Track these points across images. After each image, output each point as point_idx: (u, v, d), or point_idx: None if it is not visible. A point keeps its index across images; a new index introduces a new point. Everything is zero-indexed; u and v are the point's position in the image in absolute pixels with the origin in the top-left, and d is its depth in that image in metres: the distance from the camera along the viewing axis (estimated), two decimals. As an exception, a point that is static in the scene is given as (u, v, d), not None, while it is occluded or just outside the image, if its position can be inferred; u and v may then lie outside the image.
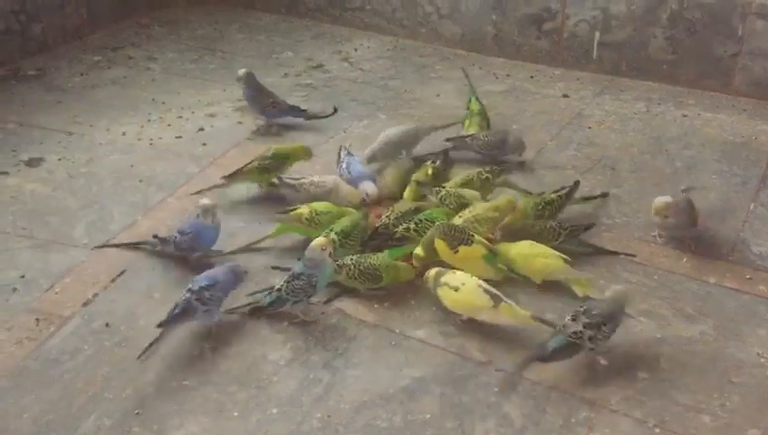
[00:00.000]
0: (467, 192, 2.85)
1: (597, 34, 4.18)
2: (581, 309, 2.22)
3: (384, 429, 2.07)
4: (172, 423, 2.08)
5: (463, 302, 2.34)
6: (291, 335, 2.38)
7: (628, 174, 3.28)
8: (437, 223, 2.62)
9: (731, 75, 3.94)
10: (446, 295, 2.37)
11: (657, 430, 2.05)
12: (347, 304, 2.51)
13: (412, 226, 2.68)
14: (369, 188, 2.97)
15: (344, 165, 3.13)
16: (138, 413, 2.11)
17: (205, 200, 2.68)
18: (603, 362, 2.27)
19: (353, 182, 3.03)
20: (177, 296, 2.48)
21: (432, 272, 2.43)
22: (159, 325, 2.29)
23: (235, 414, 2.11)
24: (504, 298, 2.32)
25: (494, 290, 2.34)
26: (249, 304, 2.46)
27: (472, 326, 2.38)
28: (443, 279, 2.38)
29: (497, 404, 2.13)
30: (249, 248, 2.75)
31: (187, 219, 2.74)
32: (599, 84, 4.13)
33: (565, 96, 4.02)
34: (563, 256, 2.54)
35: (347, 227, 2.65)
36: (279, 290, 2.40)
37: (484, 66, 4.36)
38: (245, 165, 3.07)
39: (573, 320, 2.20)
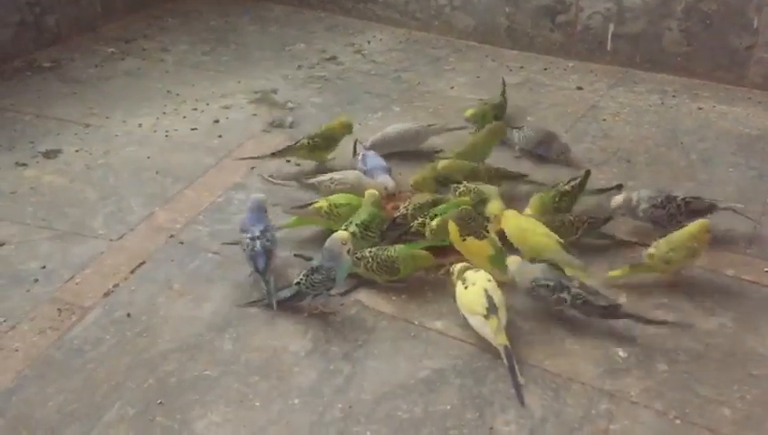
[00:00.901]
0: (486, 187, 2.84)
1: (611, 26, 4.17)
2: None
3: (405, 419, 2.08)
4: (195, 413, 2.10)
5: (465, 300, 2.33)
6: (311, 327, 2.39)
7: (644, 167, 3.27)
8: (462, 207, 2.61)
9: (746, 68, 3.92)
10: (458, 290, 2.37)
11: (678, 422, 2.06)
12: (365, 296, 2.52)
13: (428, 220, 2.68)
14: (388, 183, 2.98)
15: (360, 157, 3.15)
16: (160, 403, 2.13)
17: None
18: (622, 353, 2.28)
19: (368, 174, 3.03)
20: (197, 288, 2.51)
21: (458, 266, 2.43)
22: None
23: (257, 404, 2.13)
24: (500, 314, 2.26)
25: (496, 300, 2.27)
26: (269, 298, 2.47)
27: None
28: (465, 275, 2.37)
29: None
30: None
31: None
32: (613, 77, 4.12)
33: (579, 88, 4.01)
34: (560, 239, 2.54)
35: (366, 220, 2.66)
36: (298, 284, 2.41)
37: (497, 58, 4.36)
38: (295, 142, 3.18)
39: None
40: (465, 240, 2.52)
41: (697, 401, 2.12)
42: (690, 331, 2.37)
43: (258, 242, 2.49)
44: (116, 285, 2.56)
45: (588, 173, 2.91)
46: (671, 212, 2.72)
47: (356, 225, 2.63)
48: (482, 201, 2.78)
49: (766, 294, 2.52)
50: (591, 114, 3.74)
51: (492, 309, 2.25)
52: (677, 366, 2.24)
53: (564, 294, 2.32)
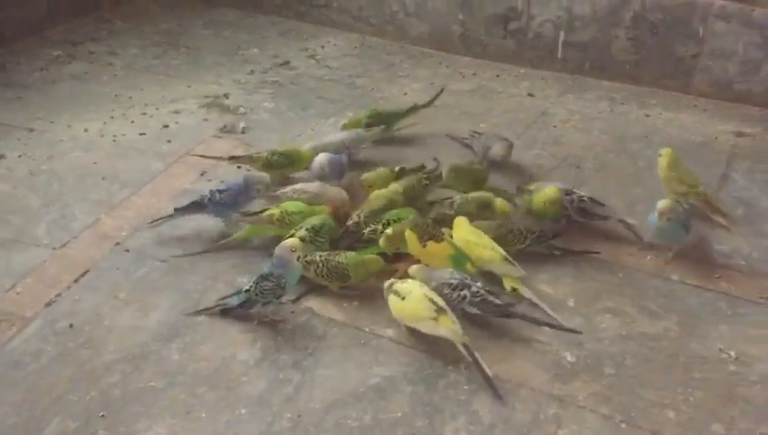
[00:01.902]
0: (485, 195, 2.85)
1: (561, 34, 4.22)
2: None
3: (355, 428, 2.06)
4: (139, 426, 2.05)
5: (407, 311, 2.31)
6: (260, 335, 2.36)
7: (593, 173, 3.32)
8: (412, 216, 2.63)
9: (692, 76, 4.01)
10: (392, 303, 2.35)
11: (624, 426, 2.08)
12: (316, 303, 2.50)
13: (380, 227, 2.67)
14: (322, 158, 3.02)
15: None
16: (103, 416, 2.08)
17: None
18: (570, 358, 2.30)
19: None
20: (143, 297, 2.47)
21: (388, 283, 2.41)
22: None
23: (204, 415, 2.09)
24: (448, 311, 2.28)
25: (440, 302, 2.30)
26: (218, 306, 2.43)
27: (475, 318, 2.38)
28: (395, 287, 2.36)
29: (467, 402, 2.15)
30: (218, 247, 2.72)
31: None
32: (563, 84, 4.17)
33: (531, 95, 4.05)
34: (503, 252, 2.56)
35: (317, 225, 2.64)
36: (248, 291, 2.38)
37: (450, 65, 4.38)
38: (256, 152, 3.14)
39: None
40: (424, 246, 2.53)
41: (642, 404, 2.15)
42: (637, 335, 2.40)
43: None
44: (58, 295, 2.50)
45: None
46: (564, 205, 2.84)
47: (306, 229, 2.61)
48: (485, 206, 2.81)
49: (709, 297, 2.57)
50: (542, 121, 3.79)
51: (440, 309, 2.26)
52: (624, 370, 2.27)
53: (465, 292, 2.35)
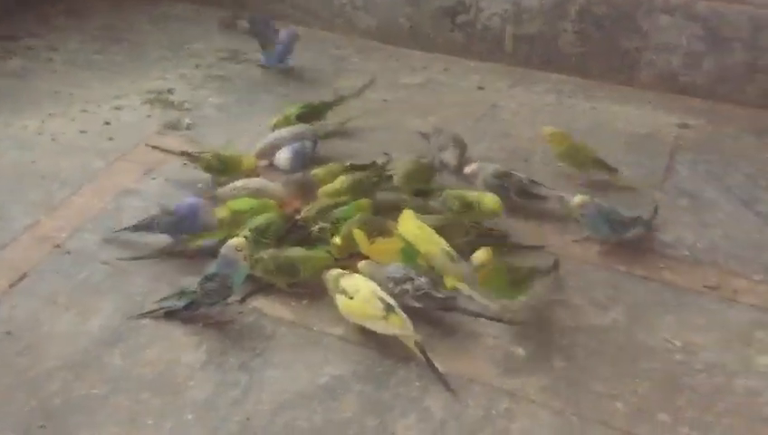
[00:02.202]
0: (470, 193, 2.82)
1: (509, 27, 4.24)
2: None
3: (305, 429, 2.03)
4: (81, 435, 1.99)
5: (356, 310, 2.27)
6: (205, 337, 2.31)
7: (541, 166, 3.33)
8: (359, 215, 2.60)
9: (636, 69, 4.07)
10: (341, 302, 2.31)
11: (575, 419, 2.10)
12: (263, 303, 2.45)
13: (328, 226, 2.64)
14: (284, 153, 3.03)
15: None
16: (43, 426, 2.00)
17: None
18: (522, 352, 2.31)
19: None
20: (84, 302, 2.39)
21: (334, 272, 2.36)
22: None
23: (149, 422, 2.03)
24: (397, 309, 2.26)
25: (389, 299, 2.27)
26: (161, 309, 2.37)
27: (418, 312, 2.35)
28: (342, 284, 2.31)
29: (418, 399, 2.13)
30: (163, 253, 2.64)
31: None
32: (512, 77, 4.19)
33: (480, 88, 4.06)
34: (448, 247, 2.54)
35: (262, 224, 2.59)
36: (193, 293, 2.32)
37: (400, 59, 4.36)
38: (200, 152, 3.05)
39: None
40: (373, 242, 2.50)
41: (592, 396, 2.17)
42: (586, 327, 2.42)
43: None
44: (-11, 299, 2.40)
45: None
46: (505, 186, 2.91)
47: (249, 230, 2.56)
48: (467, 204, 2.77)
49: (656, 288, 2.61)
50: (491, 114, 3.79)
51: (389, 307, 2.23)
52: (574, 362, 2.28)
53: (407, 286, 2.34)
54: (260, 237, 2.56)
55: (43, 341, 2.27)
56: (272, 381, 2.17)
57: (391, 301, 2.27)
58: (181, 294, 2.36)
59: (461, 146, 3.21)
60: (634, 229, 2.75)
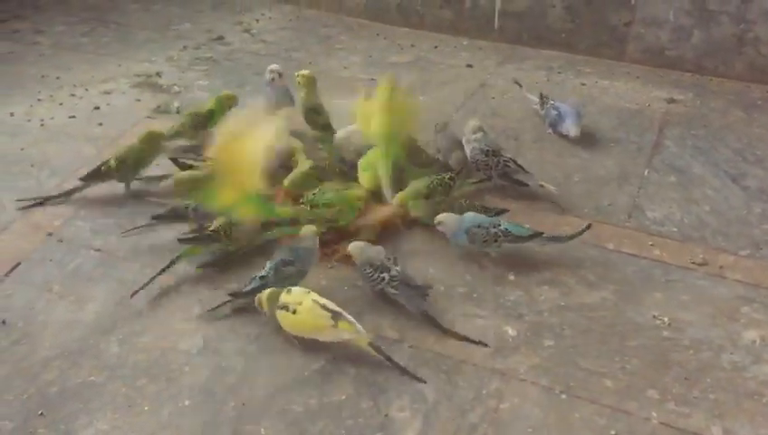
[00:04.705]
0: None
1: (498, 3, 4.22)
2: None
3: (300, 413, 2.07)
4: (80, 422, 2.01)
5: (302, 324, 2.21)
6: (202, 324, 2.33)
7: (531, 144, 3.35)
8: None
9: (625, 43, 4.07)
10: (283, 319, 2.22)
11: (564, 396, 2.14)
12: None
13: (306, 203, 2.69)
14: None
15: None
16: (42, 414, 2.03)
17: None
18: (511, 331, 2.34)
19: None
20: (78, 289, 2.40)
21: (264, 294, 2.26)
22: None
23: (146, 408, 2.06)
24: (345, 315, 2.19)
25: (332, 306, 2.20)
26: (243, 292, 2.36)
27: (383, 305, 2.40)
28: (281, 300, 2.22)
29: (411, 381, 2.17)
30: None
31: None
32: (501, 54, 4.19)
33: (469, 66, 4.05)
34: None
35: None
36: (264, 277, 2.35)
37: (388, 36, 4.34)
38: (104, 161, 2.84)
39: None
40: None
41: (581, 374, 2.21)
42: (575, 305, 2.45)
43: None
44: (-18, 290, 2.42)
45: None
46: (489, 164, 2.93)
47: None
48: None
49: (644, 265, 2.64)
50: (481, 92, 3.80)
51: (335, 315, 2.18)
52: (563, 341, 2.32)
53: (384, 274, 2.36)
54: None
55: (39, 330, 2.29)
56: (267, 367, 2.20)
57: (335, 307, 2.20)
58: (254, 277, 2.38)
59: (461, 147, 3.09)
60: (526, 241, 2.61)
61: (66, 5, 4.53)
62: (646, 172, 3.15)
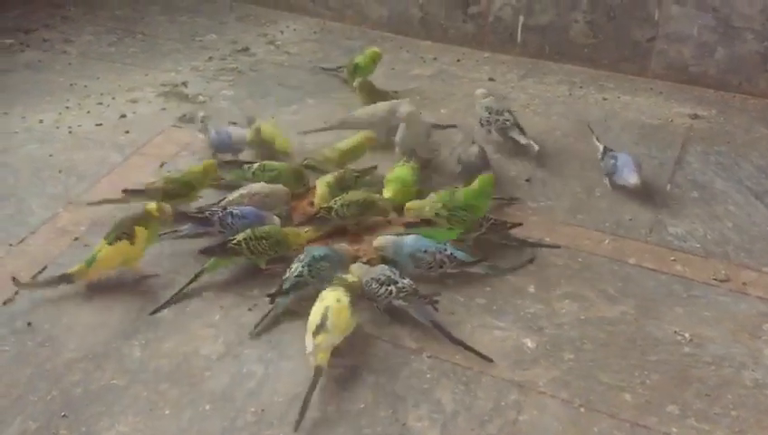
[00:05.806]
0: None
1: (521, 18, 4.24)
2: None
3: (318, 420, 2.08)
4: (102, 425, 2.04)
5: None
6: (222, 329, 2.36)
7: (552, 157, 3.36)
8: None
9: (648, 59, 4.07)
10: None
11: (583, 410, 2.13)
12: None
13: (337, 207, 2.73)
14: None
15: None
16: (64, 416, 2.06)
17: None
18: (531, 344, 2.34)
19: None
20: (103, 294, 2.45)
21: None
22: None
23: (167, 412, 2.09)
24: (329, 335, 2.17)
25: (330, 324, 2.17)
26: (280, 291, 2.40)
27: (403, 315, 2.40)
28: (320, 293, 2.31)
29: (429, 390, 2.17)
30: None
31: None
32: (523, 68, 4.20)
33: (491, 80, 4.07)
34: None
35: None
36: (299, 275, 2.39)
37: (411, 49, 4.37)
38: (149, 184, 2.82)
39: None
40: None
41: (600, 388, 2.20)
42: (596, 319, 2.45)
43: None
44: (16, 293, 2.45)
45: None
46: (490, 121, 3.33)
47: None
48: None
49: (665, 280, 2.63)
50: (503, 105, 3.79)
51: (321, 328, 2.17)
52: (583, 355, 2.32)
53: (391, 287, 2.36)
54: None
55: (63, 332, 2.32)
56: (287, 373, 2.22)
57: (330, 325, 2.17)
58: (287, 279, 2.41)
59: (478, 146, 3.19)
60: (467, 267, 2.58)
61: (94, 16, 4.61)
62: (668, 187, 3.14)
